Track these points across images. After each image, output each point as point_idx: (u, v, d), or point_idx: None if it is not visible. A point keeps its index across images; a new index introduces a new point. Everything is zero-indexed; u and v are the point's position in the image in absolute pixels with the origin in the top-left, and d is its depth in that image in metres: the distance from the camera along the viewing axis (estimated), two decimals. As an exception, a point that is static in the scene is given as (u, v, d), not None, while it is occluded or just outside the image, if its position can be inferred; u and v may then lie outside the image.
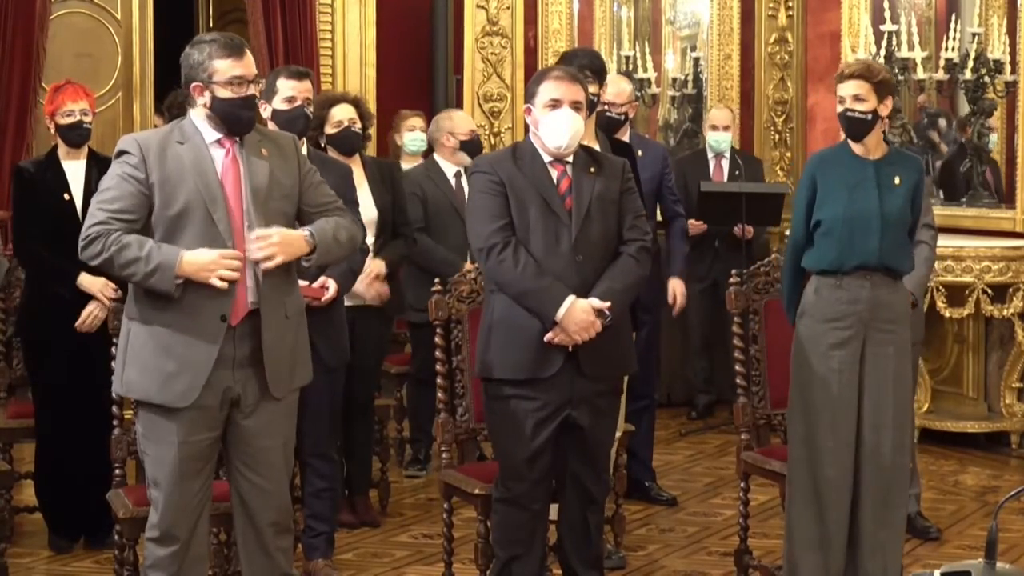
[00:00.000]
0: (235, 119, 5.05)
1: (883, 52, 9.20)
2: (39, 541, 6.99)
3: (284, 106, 6.39)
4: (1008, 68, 9.19)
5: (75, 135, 6.91)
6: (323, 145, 7.04)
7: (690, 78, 11.06)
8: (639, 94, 10.86)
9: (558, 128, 5.52)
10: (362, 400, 7.20)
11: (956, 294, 8.86)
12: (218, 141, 5.07)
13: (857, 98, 5.92)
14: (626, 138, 7.51)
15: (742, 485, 6.48)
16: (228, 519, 5.33)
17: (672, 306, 7.93)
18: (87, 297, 6.71)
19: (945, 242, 8.93)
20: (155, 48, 9.67)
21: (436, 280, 6.08)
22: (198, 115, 5.08)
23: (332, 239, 5.12)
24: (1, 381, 7.12)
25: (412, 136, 9.30)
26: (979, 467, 8.78)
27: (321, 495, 6.38)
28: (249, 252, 4.96)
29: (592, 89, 6.40)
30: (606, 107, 7.42)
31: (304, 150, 5.55)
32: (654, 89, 10.88)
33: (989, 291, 8.83)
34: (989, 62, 9.21)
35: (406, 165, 8.96)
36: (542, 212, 5.49)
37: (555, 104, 5.53)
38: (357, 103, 7.20)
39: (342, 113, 7.05)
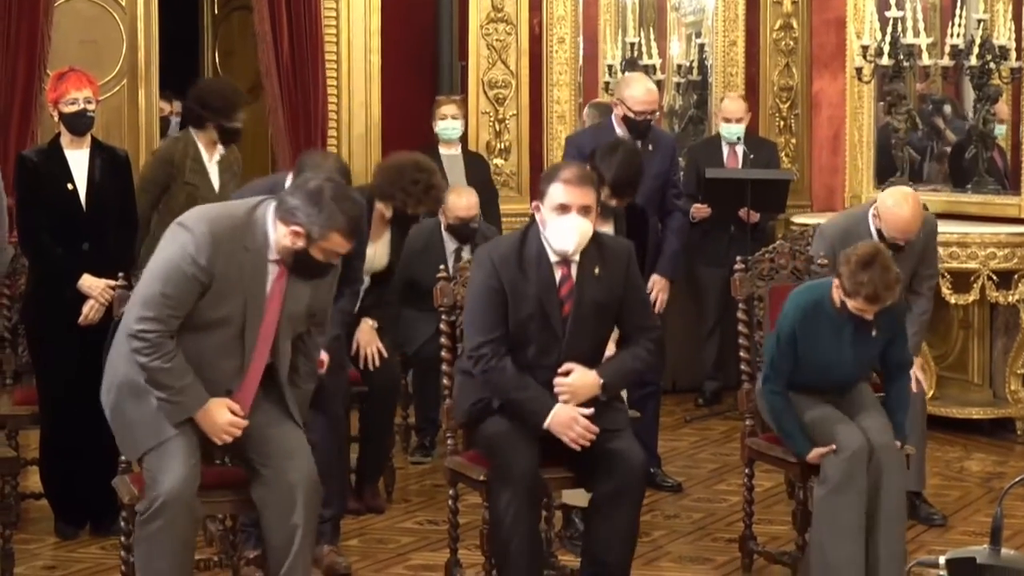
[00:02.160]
0: (299, 272, 5.08)
1: (888, 38, 9.18)
2: (45, 527, 7.00)
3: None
4: (1013, 54, 9.17)
5: (79, 123, 6.88)
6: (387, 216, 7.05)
7: (695, 65, 11.04)
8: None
9: (565, 234, 5.52)
10: (384, 387, 7.22)
11: (961, 280, 8.86)
12: (277, 260, 5.09)
13: (870, 309, 5.84)
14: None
15: (747, 471, 6.49)
16: (233, 505, 5.35)
17: (656, 298, 7.71)
18: (95, 273, 6.74)
19: (950, 228, 8.95)
20: (160, 35, 9.67)
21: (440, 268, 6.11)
22: (275, 231, 5.06)
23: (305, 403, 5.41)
24: (6, 368, 7.12)
25: (444, 125, 9.33)
26: (984, 453, 8.78)
27: (328, 481, 6.38)
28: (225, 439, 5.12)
29: (614, 202, 6.69)
30: (634, 114, 7.56)
31: None
32: (659, 76, 10.85)
33: (994, 277, 8.82)
34: (995, 48, 9.19)
35: (444, 151, 9.15)
36: (539, 321, 5.55)
37: (563, 209, 5.51)
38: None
39: (431, 210, 7.10)
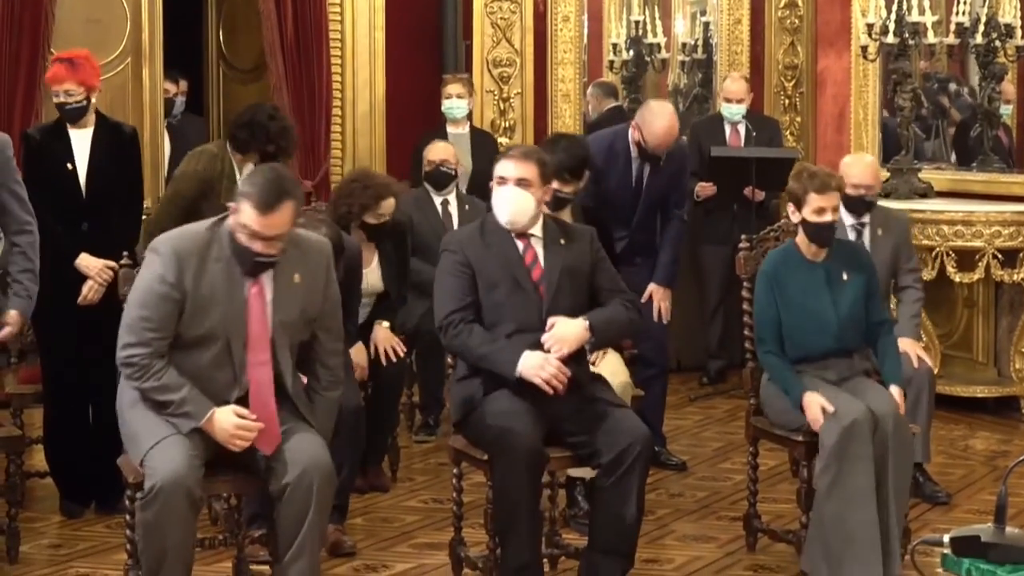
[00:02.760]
0: (237, 258, 5.11)
1: (893, 16, 9.16)
2: (51, 506, 7.01)
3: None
4: (1019, 32, 9.16)
5: (65, 113, 6.86)
6: (352, 226, 7.21)
7: (700, 43, 11.02)
8: (649, 59, 10.85)
9: (500, 205, 5.74)
10: (389, 367, 7.26)
11: (966, 259, 8.85)
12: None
13: (835, 209, 6.18)
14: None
15: (751, 450, 6.50)
16: (238, 484, 5.36)
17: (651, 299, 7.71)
18: (94, 253, 6.73)
19: (955, 207, 8.96)
20: (164, 13, 9.64)
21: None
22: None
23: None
24: (11, 347, 7.12)
25: (449, 104, 9.35)
26: (989, 432, 8.78)
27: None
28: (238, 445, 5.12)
29: (568, 188, 6.71)
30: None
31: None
32: (663, 54, 10.85)
33: (999, 256, 8.82)
34: (1000, 26, 9.18)
35: (451, 129, 9.24)
36: (511, 289, 5.68)
37: (501, 181, 5.73)
38: (398, 196, 7.39)
39: (388, 208, 7.26)
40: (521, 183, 5.69)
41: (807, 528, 6.14)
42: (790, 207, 6.22)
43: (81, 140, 6.86)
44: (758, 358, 6.25)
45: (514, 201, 5.71)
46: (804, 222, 6.16)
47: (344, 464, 6.24)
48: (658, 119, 7.42)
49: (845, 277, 6.19)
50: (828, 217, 6.12)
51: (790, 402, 6.06)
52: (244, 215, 5.03)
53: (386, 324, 7.32)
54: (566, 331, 5.62)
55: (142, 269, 5.21)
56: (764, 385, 6.31)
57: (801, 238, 6.22)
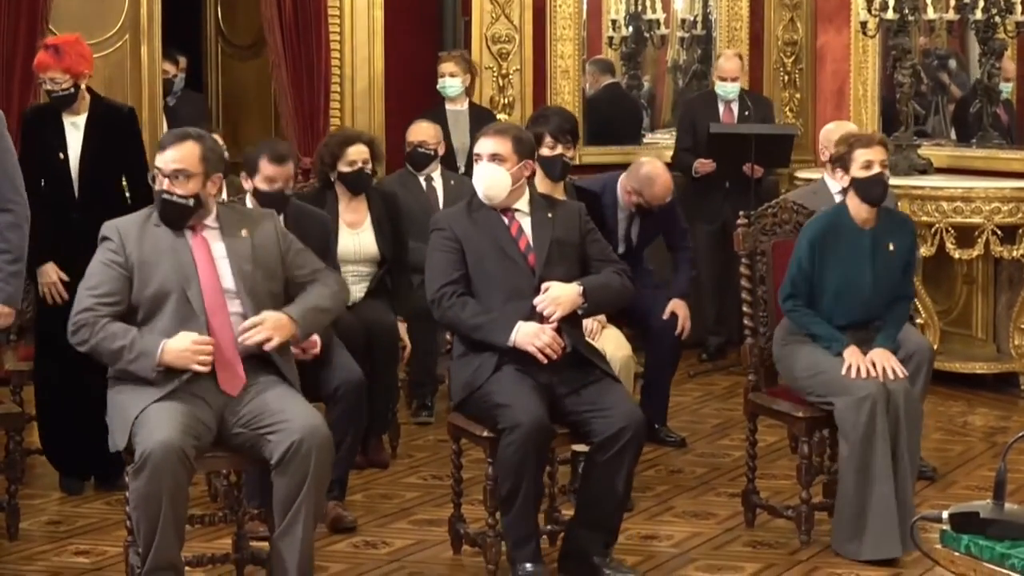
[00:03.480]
0: (166, 217, 5.28)
1: (894, -9, 9.15)
2: (50, 483, 7.02)
3: (264, 187, 6.54)
4: (1019, 8, 9.14)
5: (54, 101, 6.81)
6: (333, 180, 7.30)
7: (699, 19, 10.99)
8: (648, 35, 10.82)
9: (476, 181, 5.85)
10: (386, 344, 7.25)
11: (965, 235, 8.85)
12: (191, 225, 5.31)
13: (883, 163, 6.19)
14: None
15: (750, 426, 6.50)
16: (235, 461, 5.37)
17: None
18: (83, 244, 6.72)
19: (955, 183, 8.96)
20: (162, -11, 9.63)
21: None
22: None
23: (314, 312, 5.38)
24: (11, 324, 7.11)
25: (443, 82, 9.36)
26: (987, 408, 8.79)
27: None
28: (247, 339, 5.18)
29: (569, 153, 6.92)
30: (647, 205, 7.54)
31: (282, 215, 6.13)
32: (663, 30, 10.83)
33: (999, 232, 8.81)
34: (1000, 2, 9.15)
35: (450, 107, 9.28)
36: (499, 260, 5.75)
37: (477, 158, 5.85)
38: (372, 144, 7.44)
39: (357, 153, 7.29)
40: (495, 158, 5.78)
41: (807, 504, 6.16)
42: (837, 173, 6.29)
43: (74, 129, 6.79)
44: (786, 313, 6.22)
45: (488, 177, 5.79)
46: (854, 181, 6.17)
47: (346, 438, 6.27)
48: (658, 181, 7.49)
49: (891, 248, 6.21)
50: (876, 170, 6.15)
51: (830, 352, 6.09)
52: (156, 162, 5.25)
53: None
54: (559, 293, 5.68)
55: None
56: (779, 342, 6.29)
57: (852, 200, 6.22)
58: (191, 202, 5.26)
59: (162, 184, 5.23)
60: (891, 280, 6.23)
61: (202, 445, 5.12)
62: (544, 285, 5.69)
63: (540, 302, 5.66)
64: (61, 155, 6.75)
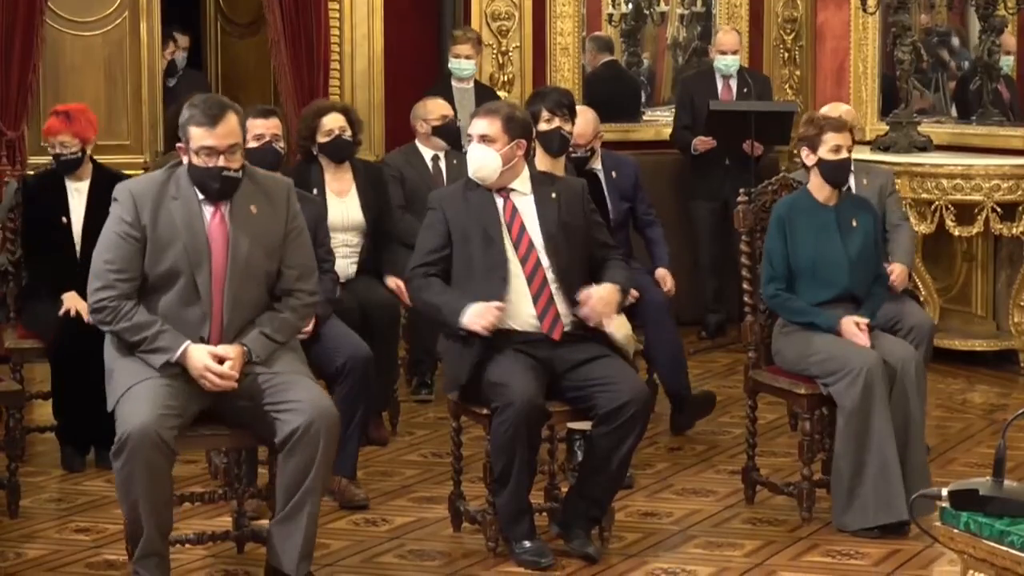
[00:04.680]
0: (203, 188, 5.20)
1: (893, -31, 9.14)
2: (51, 460, 7.03)
3: (254, 144, 6.54)
4: (1019, -15, 9.12)
5: (60, 165, 6.98)
6: (315, 153, 7.33)
7: (699, -4, 10.97)
8: (648, 12, 10.80)
9: (468, 162, 5.90)
10: (386, 321, 7.26)
11: (965, 212, 8.85)
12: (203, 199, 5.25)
13: (849, 148, 6.31)
14: (598, 163, 7.63)
15: (750, 403, 6.51)
16: (233, 439, 5.38)
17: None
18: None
19: (955, 160, 8.95)
20: (161, -34, 9.61)
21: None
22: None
23: (268, 344, 5.25)
24: (11, 302, 7.12)
25: (456, 64, 9.37)
26: (987, 385, 8.79)
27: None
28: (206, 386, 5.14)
29: (568, 127, 6.93)
30: (571, 149, 7.50)
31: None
32: (662, 7, 10.80)
33: (998, 209, 8.81)
34: (999, -22, 9.15)
35: (457, 85, 9.28)
36: (481, 242, 5.77)
37: (469, 139, 5.90)
38: (346, 111, 7.48)
39: (332, 122, 7.32)
40: (484, 139, 5.82)
41: (808, 480, 6.17)
42: (804, 152, 6.34)
43: (77, 194, 6.97)
44: (770, 302, 6.29)
45: (476, 158, 5.83)
46: (820, 162, 6.26)
47: (355, 414, 6.28)
48: (585, 114, 7.50)
49: (854, 223, 6.30)
50: (843, 155, 6.26)
51: (823, 328, 6.14)
52: (196, 139, 5.14)
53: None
54: (604, 294, 5.73)
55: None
56: (778, 333, 6.33)
57: (814, 182, 6.32)
58: (241, 174, 5.24)
59: (214, 162, 5.14)
60: (866, 253, 6.30)
61: (190, 413, 5.14)
62: (583, 294, 5.69)
63: (588, 302, 5.69)
64: (64, 219, 6.93)
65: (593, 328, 5.78)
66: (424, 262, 5.83)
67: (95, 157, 7.13)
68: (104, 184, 6.88)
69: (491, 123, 5.81)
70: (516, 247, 5.79)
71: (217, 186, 5.18)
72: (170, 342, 5.11)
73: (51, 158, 7.04)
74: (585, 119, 7.39)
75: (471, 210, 5.82)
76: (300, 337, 5.76)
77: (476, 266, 5.77)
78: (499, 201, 5.85)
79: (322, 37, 9.69)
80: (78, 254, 6.90)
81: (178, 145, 5.29)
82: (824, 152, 6.25)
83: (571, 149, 7.37)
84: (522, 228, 5.80)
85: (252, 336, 5.22)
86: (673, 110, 10.38)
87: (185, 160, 5.21)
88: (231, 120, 5.16)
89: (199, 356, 5.11)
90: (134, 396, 5.05)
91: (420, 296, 5.84)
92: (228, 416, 5.26)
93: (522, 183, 5.88)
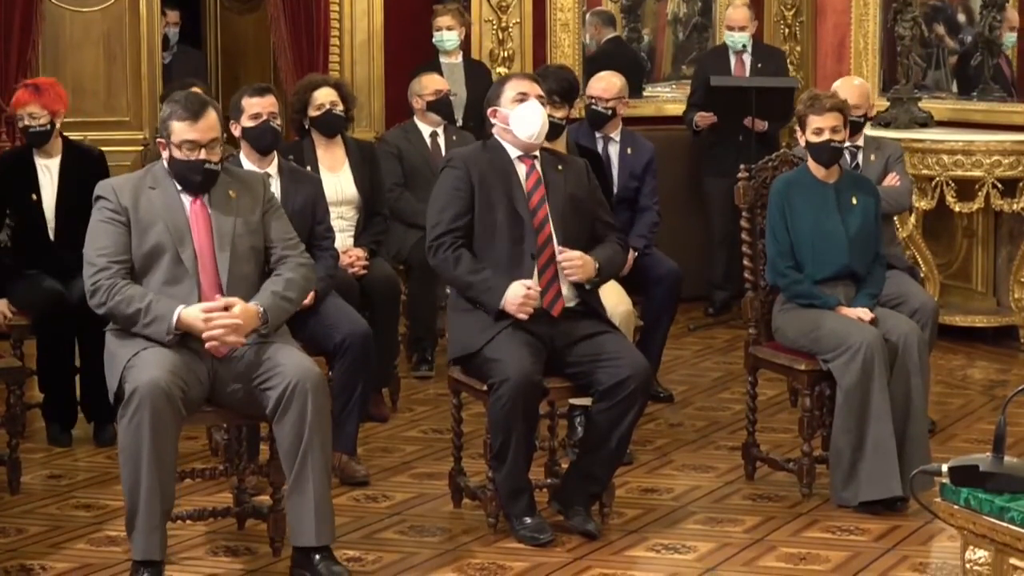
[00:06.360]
0: (185, 180, 5.30)
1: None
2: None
3: (251, 123, 6.53)
4: (1020, -40, 9.11)
5: (29, 137, 6.97)
6: (307, 127, 7.33)
7: (700, -29, 10.94)
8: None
9: (529, 117, 5.74)
10: (385, 297, 7.25)
11: (966, 188, 8.84)
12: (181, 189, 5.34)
13: (835, 130, 6.29)
14: (617, 134, 7.72)
15: (750, 379, 6.51)
16: (232, 416, 5.39)
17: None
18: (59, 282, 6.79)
19: (955, 136, 8.93)
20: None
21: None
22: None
23: (282, 304, 5.32)
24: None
25: (439, 36, 9.35)
26: (987, 361, 8.80)
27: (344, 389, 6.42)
28: (217, 337, 5.14)
29: (560, 113, 6.76)
30: (593, 101, 7.60)
31: (275, 164, 6.46)
32: (664, -17, 10.78)
33: (999, 185, 8.80)
34: (1001, -46, 9.13)
35: (444, 60, 9.30)
36: (508, 213, 5.71)
37: (523, 97, 5.75)
38: (339, 86, 7.48)
39: (324, 96, 7.31)
40: (540, 99, 5.79)
41: (808, 456, 6.17)
42: (798, 131, 6.40)
43: (48, 169, 6.96)
44: (780, 281, 6.29)
45: (542, 113, 5.77)
46: (807, 143, 6.32)
47: (355, 390, 6.28)
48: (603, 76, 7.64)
49: (854, 201, 6.32)
50: (826, 137, 6.26)
51: (824, 307, 6.17)
52: (178, 133, 5.24)
53: (362, 252, 7.24)
54: (583, 262, 5.72)
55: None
56: (778, 309, 6.33)
57: (811, 160, 6.35)
58: (220, 167, 5.34)
59: (196, 155, 5.23)
60: (865, 231, 6.31)
61: (193, 396, 5.15)
62: (559, 249, 5.70)
63: (568, 258, 5.67)
64: (34, 196, 6.91)
65: (593, 308, 5.80)
66: (449, 229, 5.73)
67: (93, 134, 7.13)
68: (76, 160, 6.99)
69: (541, 89, 5.84)
70: (532, 217, 5.74)
71: (199, 179, 5.28)
72: (165, 309, 5.15)
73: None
74: (609, 81, 7.62)
75: (496, 175, 5.75)
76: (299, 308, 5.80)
77: (500, 237, 5.71)
78: (521, 169, 5.80)
79: (321, 13, 9.68)
80: (51, 232, 6.93)
81: (158, 139, 5.36)
82: (808, 134, 6.30)
83: (592, 101, 7.55)
84: (542, 199, 5.75)
85: (264, 295, 5.28)
86: (674, 85, 10.38)
87: (165, 155, 5.30)
88: (212, 115, 5.28)
89: (194, 311, 5.15)
90: (142, 360, 5.08)
91: (449, 270, 5.73)
92: (224, 402, 5.30)
93: (537, 152, 5.87)
